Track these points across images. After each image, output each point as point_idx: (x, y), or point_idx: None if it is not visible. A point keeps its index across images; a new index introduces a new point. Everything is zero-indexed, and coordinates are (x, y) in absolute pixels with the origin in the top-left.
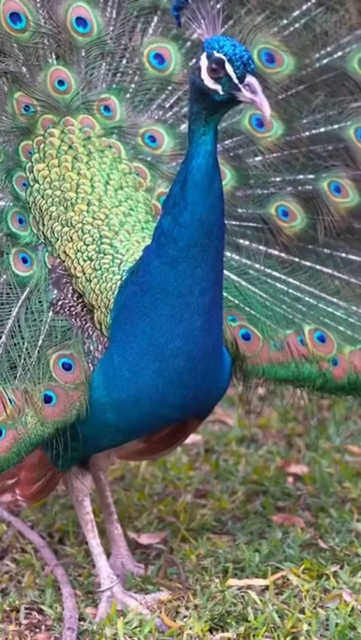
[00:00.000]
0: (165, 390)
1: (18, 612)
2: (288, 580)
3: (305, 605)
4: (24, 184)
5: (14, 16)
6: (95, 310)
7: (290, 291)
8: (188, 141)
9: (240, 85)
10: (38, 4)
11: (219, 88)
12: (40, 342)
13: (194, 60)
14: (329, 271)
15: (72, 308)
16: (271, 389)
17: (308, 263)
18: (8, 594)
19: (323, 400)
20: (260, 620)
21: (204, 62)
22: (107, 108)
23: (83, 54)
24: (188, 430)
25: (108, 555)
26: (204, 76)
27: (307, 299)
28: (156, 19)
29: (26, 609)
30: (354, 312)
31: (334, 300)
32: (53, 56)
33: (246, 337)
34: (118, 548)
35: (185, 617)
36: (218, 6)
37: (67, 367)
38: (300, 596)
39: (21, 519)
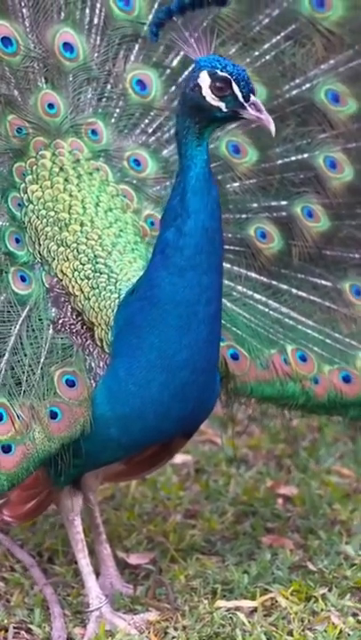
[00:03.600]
0: (169, 403)
1: (6, 631)
2: (277, 601)
3: (293, 627)
4: (19, 204)
5: (5, 40)
6: (95, 328)
7: (270, 312)
8: (181, 155)
9: (246, 104)
10: (27, 29)
11: (222, 105)
12: (42, 359)
13: (185, 77)
14: (304, 295)
15: (72, 326)
16: (262, 410)
17: (284, 286)
18: None
19: (312, 421)
20: None
21: (205, 80)
22: (94, 132)
23: (70, 79)
24: (173, 450)
25: (98, 574)
26: (206, 93)
27: (286, 320)
28: (137, 46)
29: (14, 628)
30: (327, 334)
31: (310, 322)
32: (43, 80)
33: (235, 357)
34: (107, 568)
35: (173, 638)
36: (195, 35)
37: (70, 384)
38: (288, 618)
39: (11, 538)
